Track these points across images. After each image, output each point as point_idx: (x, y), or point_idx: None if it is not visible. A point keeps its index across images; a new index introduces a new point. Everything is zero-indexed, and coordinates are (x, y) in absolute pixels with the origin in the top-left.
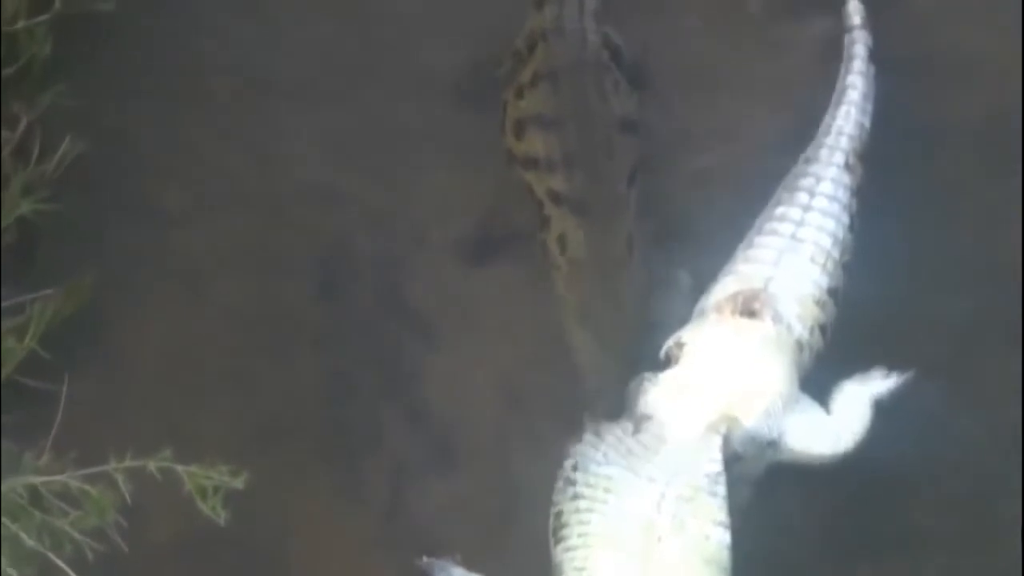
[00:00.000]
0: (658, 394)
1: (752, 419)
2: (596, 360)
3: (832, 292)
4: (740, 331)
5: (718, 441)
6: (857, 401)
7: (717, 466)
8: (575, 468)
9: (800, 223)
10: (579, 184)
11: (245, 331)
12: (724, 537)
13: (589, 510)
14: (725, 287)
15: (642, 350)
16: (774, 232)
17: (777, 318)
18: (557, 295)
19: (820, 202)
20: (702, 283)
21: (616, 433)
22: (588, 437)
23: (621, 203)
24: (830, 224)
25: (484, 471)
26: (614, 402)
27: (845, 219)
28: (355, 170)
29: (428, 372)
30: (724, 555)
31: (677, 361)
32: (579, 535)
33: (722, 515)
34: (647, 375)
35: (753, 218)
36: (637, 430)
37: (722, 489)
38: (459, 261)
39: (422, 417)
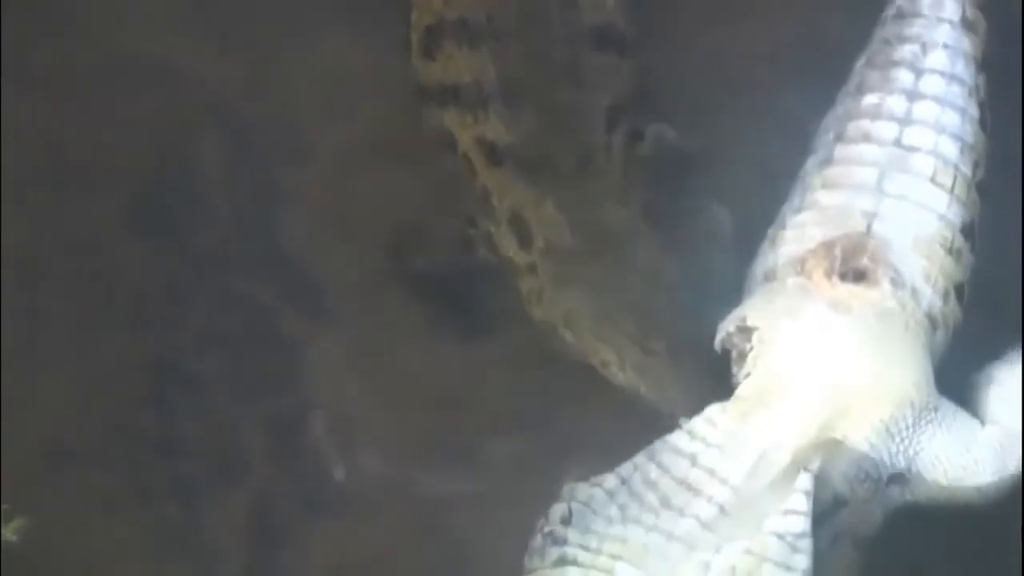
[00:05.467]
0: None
1: (864, 442)
2: (641, 385)
3: (967, 230)
4: (840, 304)
5: (806, 481)
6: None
7: (800, 522)
8: (566, 521)
9: (906, 120)
10: (528, 129)
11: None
12: None
13: None
14: (803, 233)
15: (694, 339)
16: (866, 136)
17: (898, 280)
18: (538, 319)
19: (933, 84)
20: (753, 225)
21: (646, 474)
22: (599, 479)
23: (599, 156)
24: (952, 119)
25: (394, 513)
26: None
27: (973, 110)
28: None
29: (310, 366)
30: None
31: (743, 356)
32: None
33: None
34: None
35: (819, 114)
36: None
37: (804, 560)
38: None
39: (298, 432)
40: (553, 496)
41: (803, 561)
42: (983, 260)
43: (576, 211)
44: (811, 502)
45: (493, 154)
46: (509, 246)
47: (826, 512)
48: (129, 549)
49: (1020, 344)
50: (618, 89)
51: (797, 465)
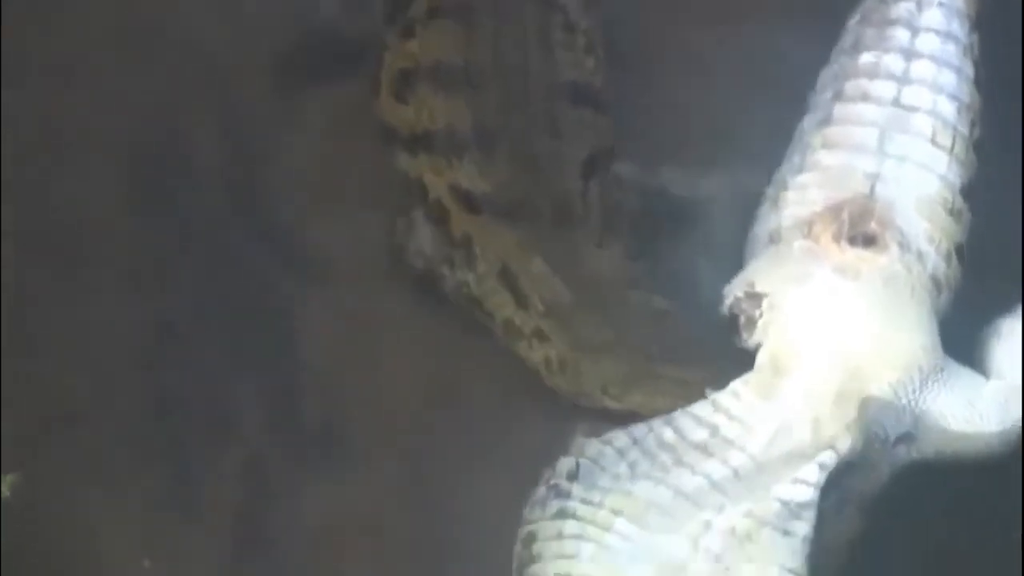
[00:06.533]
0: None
1: (875, 408)
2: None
3: (967, 191)
4: (849, 269)
5: (827, 457)
6: None
7: (807, 492)
8: (572, 476)
9: (904, 79)
10: (503, 177)
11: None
12: None
13: (579, 538)
14: (805, 194)
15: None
16: (864, 96)
17: (904, 244)
18: (565, 387)
19: (929, 42)
20: (744, 182)
21: (660, 436)
22: (610, 436)
23: (576, 203)
24: (949, 78)
25: (386, 470)
26: None
27: (968, 69)
28: None
29: (304, 330)
30: None
31: (752, 322)
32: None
33: (795, 561)
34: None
35: (813, 70)
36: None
37: (804, 527)
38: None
39: (291, 391)
40: (560, 450)
41: (803, 528)
42: (980, 218)
43: (563, 263)
44: (825, 475)
45: (470, 202)
46: (503, 304)
47: (835, 477)
48: (123, 510)
49: (1022, 299)
50: (595, 142)
51: (817, 438)
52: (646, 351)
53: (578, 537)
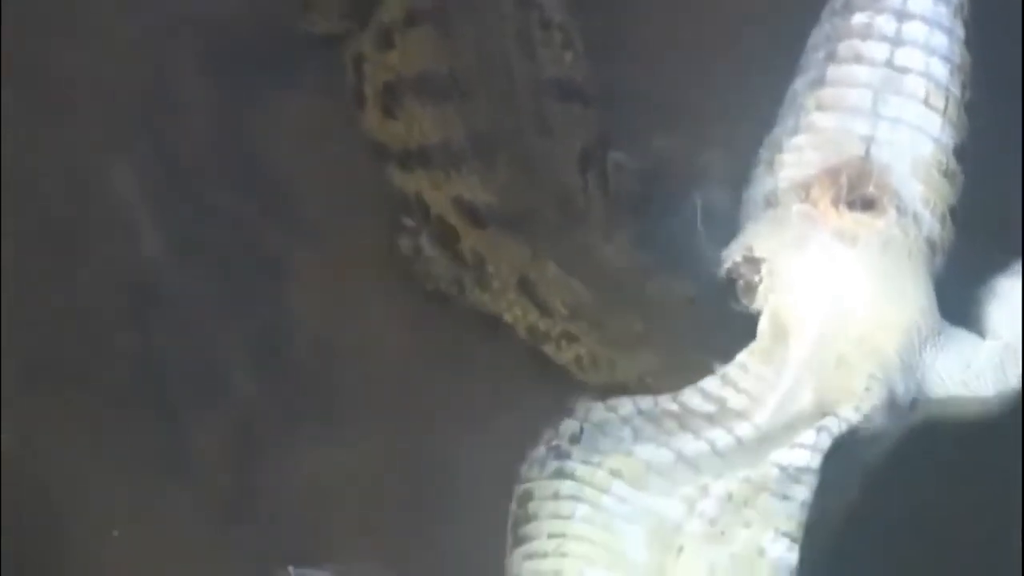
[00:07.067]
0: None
1: (878, 373)
2: None
3: (959, 153)
4: (847, 234)
5: (831, 422)
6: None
7: (805, 456)
8: (575, 439)
9: (897, 40)
10: (504, 184)
11: None
12: (788, 556)
13: (575, 499)
14: (801, 157)
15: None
16: (857, 57)
17: (901, 207)
18: (585, 379)
19: (920, 2)
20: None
21: (666, 407)
22: (615, 402)
23: (578, 199)
24: (941, 40)
25: (378, 429)
26: None
27: (959, 30)
28: None
29: (292, 283)
30: None
31: (752, 288)
32: (552, 536)
33: (791, 524)
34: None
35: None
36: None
37: (803, 491)
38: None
39: (280, 349)
40: (557, 410)
41: (802, 492)
42: (974, 179)
43: (577, 264)
44: (828, 440)
45: (475, 216)
46: (526, 313)
47: (842, 443)
48: (112, 468)
49: (1022, 259)
50: (586, 135)
51: (820, 404)
52: (678, 339)
53: (574, 498)
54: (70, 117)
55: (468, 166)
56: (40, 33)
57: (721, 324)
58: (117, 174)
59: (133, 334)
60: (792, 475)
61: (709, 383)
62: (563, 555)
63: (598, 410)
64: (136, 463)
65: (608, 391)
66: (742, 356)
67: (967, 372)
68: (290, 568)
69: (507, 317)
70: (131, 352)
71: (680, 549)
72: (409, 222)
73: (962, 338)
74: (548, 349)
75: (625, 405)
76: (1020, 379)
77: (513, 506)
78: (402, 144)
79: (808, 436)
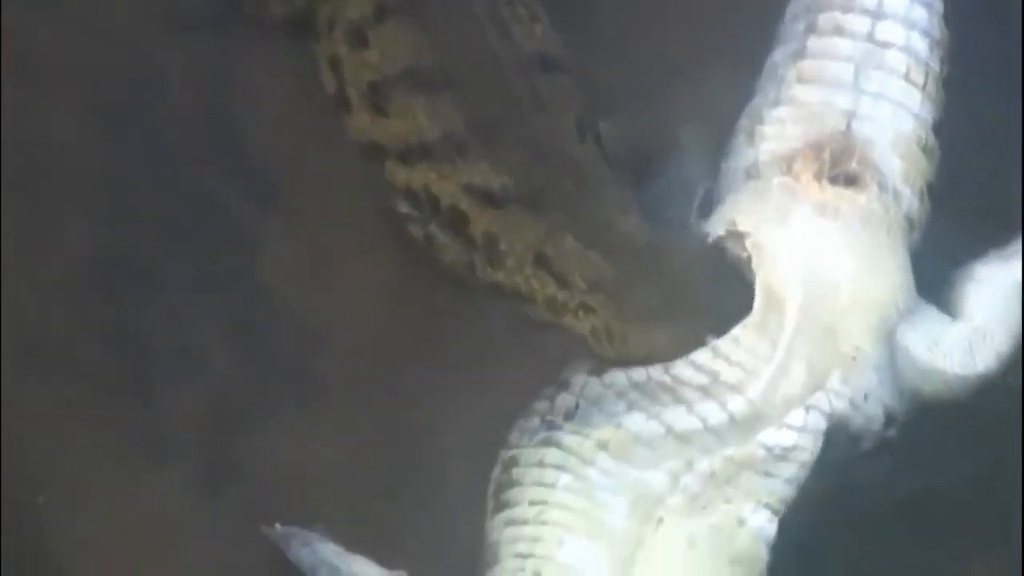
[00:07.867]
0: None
1: (865, 347)
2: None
3: (937, 128)
4: (828, 208)
5: (820, 400)
6: (1001, 293)
7: (791, 437)
8: (570, 416)
9: (877, 13)
10: (514, 164)
11: None
12: (767, 527)
13: (560, 468)
14: (783, 129)
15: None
16: (838, 29)
17: (883, 183)
18: (599, 352)
19: None
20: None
21: (660, 380)
22: (610, 377)
23: (586, 170)
24: (920, 13)
25: (356, 406)
26: None
27: (938, 4)
28: None
29: (269, 262)
30: (760, 554)
31: (742, 262)
32: (533, 503)
33: (773, 499)
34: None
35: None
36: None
37: (789, 469)
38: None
39: (258, 326)
40: (551, 384)
41: (788, 469)
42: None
43: (595, 238)
44: (816, 419)
45: (491, 198)
46: (546, 286)
47: (839, 425)
48: (89, 446)
49: (1004, 246)
50: (576, 105)
51: (811, 379)
52: (692, 315)
53: (558, 467)
54: (51, 97)
55: (475, 153)
56: (24, 16)
57: (729, 299)
58: (91, 151)
59: (109, 310)
60: (778, 455)
61: (700, 355)
62: (543, 523)
63: (594, 385)
64: (114, 439)
65: (621, 365)
66: (736, 329)
67: (934, 350)
68: (277, 526)
69: (524, 292)
70: (107, 328)
71: (660, 520)
72: (409, 209)
73: (932, 316)
74: (567, 320)
75: (619, 379)
76: (987, 365)
77: (497, 471)
78: (400, 141)
79: (797, 416)
